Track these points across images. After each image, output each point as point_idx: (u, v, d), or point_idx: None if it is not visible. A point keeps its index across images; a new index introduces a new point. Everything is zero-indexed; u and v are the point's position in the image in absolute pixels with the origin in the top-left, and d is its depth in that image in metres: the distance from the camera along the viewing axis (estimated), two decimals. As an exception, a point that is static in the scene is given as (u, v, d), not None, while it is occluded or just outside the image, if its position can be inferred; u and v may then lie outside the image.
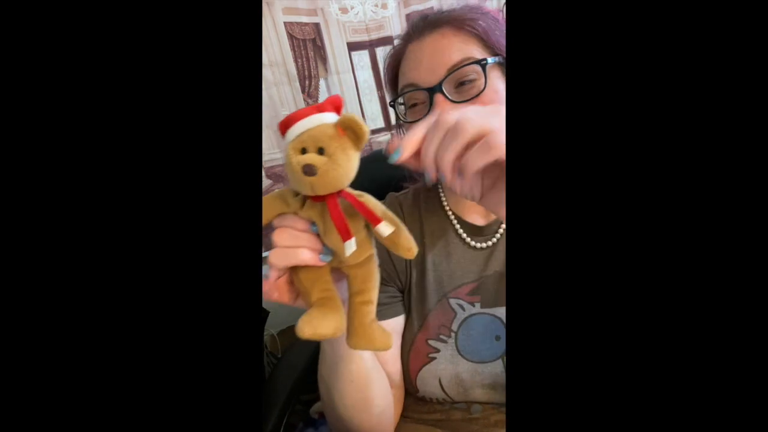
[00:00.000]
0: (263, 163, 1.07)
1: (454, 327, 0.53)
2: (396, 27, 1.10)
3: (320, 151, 0.33)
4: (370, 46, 1.10)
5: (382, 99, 1.14)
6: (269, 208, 0.36)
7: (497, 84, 0.49)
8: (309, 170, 0.32)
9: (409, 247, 0.36)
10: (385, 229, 0.34)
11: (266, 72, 1.01)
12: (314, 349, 0.78)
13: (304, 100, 1.07)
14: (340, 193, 0.35)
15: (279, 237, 0.35)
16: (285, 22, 1.02)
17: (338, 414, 0.49)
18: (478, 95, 0.48)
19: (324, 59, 1.07)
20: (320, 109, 0.34)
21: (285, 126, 0.34)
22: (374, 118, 1.13)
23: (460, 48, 0.49)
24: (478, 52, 0.49)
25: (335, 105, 0.35)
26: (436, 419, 0.54)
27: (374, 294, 0.38)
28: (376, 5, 1.08)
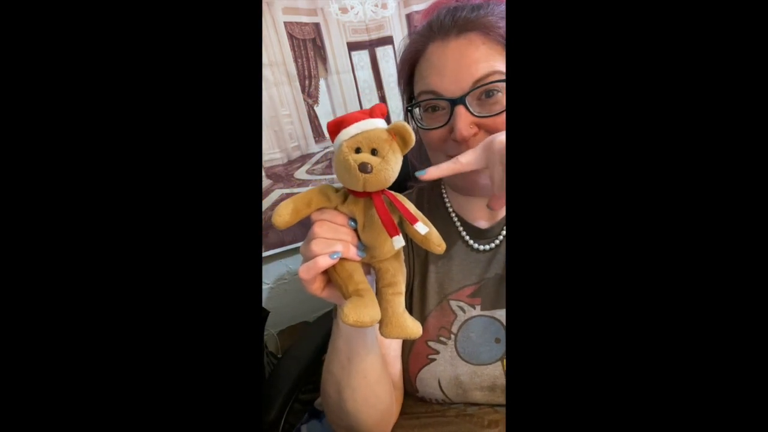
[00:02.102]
0: (263, 163, 1.07)
1: (454, 329, 0.53)
2: (396, 27, 1.10)
3: (373, 152, 0.36)
4: (370, 46, 1.10)
5: (382, 99, 1.14)
6: (312, 201, 0.39)
7: None
8: (365, 168, 0.35)
9: (439, 243, 0.39)
10: (421, 228, 0.38)
11: (266, 72, 1.01)
12: (314, 348, 0.78)
13: (304, 100, 1.07)
14: (383, 191, 0.38)
15: (320, 229, 0.38)
16: (285, 22, 1.01)
17: (346, 409, 0.49)
18: (501, 112, 0.46)
19: (324, 59, 1.07)
20: (371, 114, 0.38)
21: (337, 126, 0.37)
22: (374, 118, 1.13)
23: (486, 60, 0.46)
24: (501, 64, 0.47)
25: (382, 112, 0.38)
26: (431, 418, 0.54)
27: (403, 286, 0.41)
28: (376, 5, 1.08)
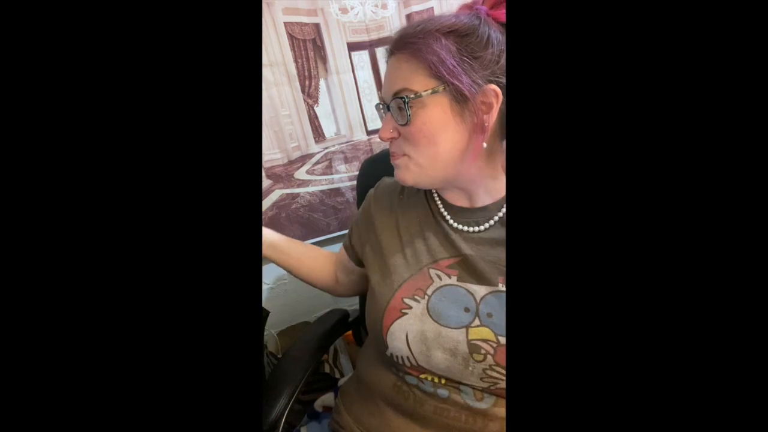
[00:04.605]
0: (263, 163, 1.07)
1: (429, 291, 0.57)
2: (396, 27, 1.10)
3: None
4: (370, 46, 1.10)
5: (382, 99, 1.14)
6: None
7: (429, 115, 0.52)
8: None
9: None
10: None
11: (266, 72, 1.01)
12: (314, 348, 0.78)
13: (304, 100, 1.07)
14: None
15: None
16: (285, 22, 1.01)
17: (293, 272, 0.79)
18: (407, 123, 0.53)
19: (324, 59, 1.07)
20: None
21: None
22: (374, 118, 1.13)
23: (404, 76, 0.53)
24: (419, 82, 0.52)
25: None
26: (409, 408, 0.57)
27: None
28: (376, 5, 1.08)
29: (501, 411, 0.53)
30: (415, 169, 0.56)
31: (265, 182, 1.09)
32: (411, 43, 0.53)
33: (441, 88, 0.51)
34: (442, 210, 0.62)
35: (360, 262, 0.71)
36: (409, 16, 1.12)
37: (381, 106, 0.59)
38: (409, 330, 0.55)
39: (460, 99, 0.51)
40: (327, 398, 0.98)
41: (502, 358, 0.51)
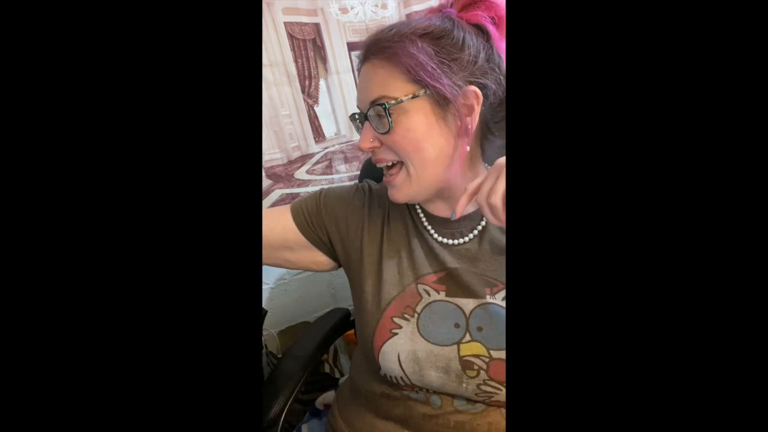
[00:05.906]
0: (263, 163, 1.07)
1: (418, 309, 0.56)
2: (396, 27, 1.10)
3: None
4: (370, 46, 1.10)
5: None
6: None
7: (412, 121, 0.50)
8: None
9: None
10: None
11: (266, 72, 1.01)
12: (314, 348, 0.78)
13: (304, 100, 1.07)
14: None
15: None
16: (285, 22, 1.01)
17: None
18: (388, 131, 0.51)
19: (324, 59, 1.07)
20: None
21: None
22: (374, 118, 1.14)
23: (381, 83, 0.51)
24: (398, 88, 0.50)
25: None
26: (399, 414, 0.57)
27: None
28: (376, 5, 1.08)
29: (491, 414, 0.53)
30: (408, 182, 0.54)
31: (265, 182, 1.09)
32: (386, 47, 0.50)
33: (421, 92, 0.50)
34: (425, 223, 0.60)
35: (320, 244, 0.65)
36: (409, 16, 1.12)
37: (357, 117, 0.57)
38: (401, 350, 0.54)
39: (441, 102, 0.50)
40: (329, 396, 0.99)
41: (495, 372, 0.50)
